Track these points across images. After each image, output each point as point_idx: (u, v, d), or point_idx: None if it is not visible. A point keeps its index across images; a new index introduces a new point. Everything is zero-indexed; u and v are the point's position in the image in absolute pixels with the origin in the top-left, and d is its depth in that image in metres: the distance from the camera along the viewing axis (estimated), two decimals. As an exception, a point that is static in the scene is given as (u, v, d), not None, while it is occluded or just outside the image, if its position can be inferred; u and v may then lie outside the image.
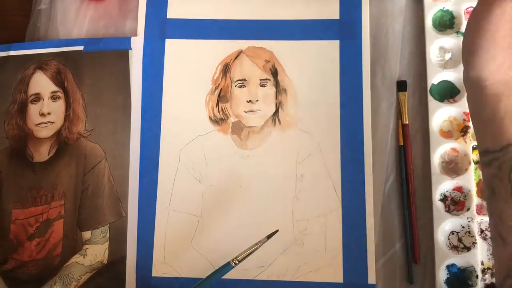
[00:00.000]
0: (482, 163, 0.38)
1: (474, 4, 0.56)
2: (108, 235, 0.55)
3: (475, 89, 0.38)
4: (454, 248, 0.52)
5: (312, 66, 0.58)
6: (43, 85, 0.59)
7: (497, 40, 0.37)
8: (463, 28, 0.56)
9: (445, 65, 0.56)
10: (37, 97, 0.59)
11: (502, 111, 0.36)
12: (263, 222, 0.53)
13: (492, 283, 0.51)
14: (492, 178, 0.37)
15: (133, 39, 0.59)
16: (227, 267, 0.49)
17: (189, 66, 0.59)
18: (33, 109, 0.58)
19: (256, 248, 0.49)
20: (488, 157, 0.37)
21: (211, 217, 0.55)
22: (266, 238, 0.49)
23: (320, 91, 0.57)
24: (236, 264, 0.48)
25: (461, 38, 0.56)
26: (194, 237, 0.55)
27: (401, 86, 0.57)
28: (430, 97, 0.55)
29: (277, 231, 0.50)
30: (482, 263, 0.52)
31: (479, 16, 0.38)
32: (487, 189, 0.38)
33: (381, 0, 0.59)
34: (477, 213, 0.53)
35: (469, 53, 0.38)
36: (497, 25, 0.37)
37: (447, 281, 0.51)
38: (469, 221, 0.52)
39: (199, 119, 0.57)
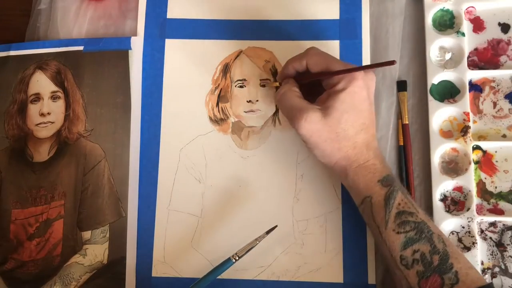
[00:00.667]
0: (361, 212, 0.49)
1: (474, 4, 0.57)
2: (108, 235, 0.55)
3: (330, 169, 0.51)
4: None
5: (312, 66, 0.58)
6: (43, 85, 0.59)
7: (316, 141, 0.48)
8: (463, 28, 0.56)
9: (445, 65, 0.56)
10: (37, 97, 0.59)
11: (351, 177, 0.48)
12: (263, 222, 0.53)
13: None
14: (367, 224, 0.50)
15: (133, 39, 0.59)
16: (228, 263, 0.49)
17: (189, 66, 0.59)
18: (33, 109, 0.58)
19: (256, 244, 0.49)
20: (360, 210, 0.49)
21: (211, 217, 0.55)
22: (266, 234, 0.50)
23: (320, 91, 0.57)
24: (236, 260, 0.49)
25: (461, 38, 0.56)
26: (194, 237, 0.55)
27: (401, 86, 0.57)
28: (430, 97, 0.55)
29: (276, 226, 0.51)
30: (482, 263, 0.52)
31: (295, 130, 0.49)
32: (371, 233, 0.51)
33: (381, 0, 0.59)
34: (477, 213, 0.53)
35: (310, 150, 0.50)
36: (308, 132, 0.48)
37: (447, 281, 0.51)
38: (469, 221, 0.52)
39: (199, 119, 0.57)
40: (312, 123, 0.47)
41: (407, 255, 0.45)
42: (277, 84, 0.55)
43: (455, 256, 0.44)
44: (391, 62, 0.45)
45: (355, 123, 0.47)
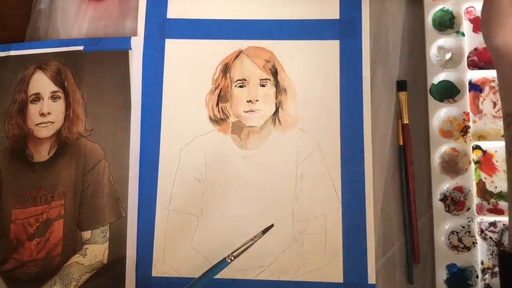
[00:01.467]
0: (504, 127, 0.42)
1: (474, 4, 0.57)
2: (108, 235, 0.55)
3: (495, 57, 0.42)
4: (454, 248, 0.52)
5: (312, 66, 0.58)
6: (43, 85, 0.59)
7: (502, 10, 0.40)
8: (463, 28, 0.56)
9: (445, 65, 0.56)
10: (37, 97, 0.59)
11: None
12: (263, 221, 0.53)
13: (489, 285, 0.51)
14: (509, 139, 0.41)
15: (133, 39, 0.59)
16: (222, 263, 0.49)
17: (189, 66, 0.59)
18: (33, 109, 0.58)
19: (252, 244, 0.49)
20: (508, 120, 0.41)
21: (211, 217, 0.55)
22: (262, 233, 0.50)
23: (320, 91, 0.57)
24: (231, 260, 0.49)
25: (461, 37, 0.56)
26: (194, 237, 0.55)
27: (401, 86, 0.57)
28: (430, 97, 0.55)
29: (272, 225, 0.50)
30: (482, 263, 0.52)
31: None
32: (506, 151, 0.41)
33: (381, 0, 0.59)
34: (477, 213, 0.53)
35: (482, 23, 0.42)
36: None
37: (447, 281, 0.51)
38: (469, 221, 0.52)
39: (199, 119, 0.57)
40: None
41: None
42: None
43: None
44: None
45: None
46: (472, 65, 0.56)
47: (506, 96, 0.42)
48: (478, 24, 0.57)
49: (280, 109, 0.57)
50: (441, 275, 0.51)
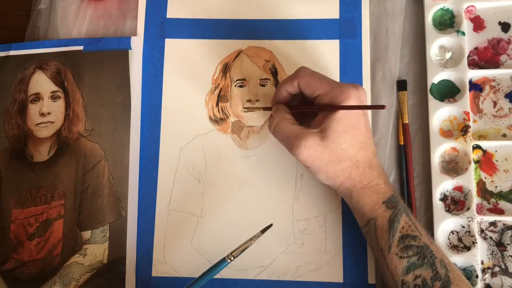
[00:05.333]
0: (364, 234, 0.50)
1: (474, 3, 0.57)
2: (107, 234, 0.55)
3: (336, 191, 0.52)
4: (454, 247, 0.52)
5: (312, 66, 0.57)
6: (43, 85, 0.59)
7: (317, 165, 0.47)
8: (463, 27, 0.56)
9: (445, 64, 0.56)
10: (37, 97, 0.59)
11: (355, 199, 0.48)
12: (263, 221, 0.53)
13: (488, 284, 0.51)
14: (371, 247, 0.50)
15: (133, 39, 0.59)
16: (222, 263, 0.49)
17: (189, 66, 0.59)
18: (33, 109, 0.58)
19: (251, 243, 0.49)
20: (363, 232, 0.49)
21: (211, 217, 0.55)
22: (261, 233, 0.50)
23: (320, 91, 0.57)
24: (231, 260, 0.49)
25: (462, 37, 0.56)
26: (194, 237, 0.55)
27: (401, 85, 0.57)
28: (430, 97, 0.55)
29: (271, 225, 0.50)
30: (482, 263, 0.52)
31: (295, 158, 0.49)
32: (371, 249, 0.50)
33: (381, 0, 0.59)
34: (477, 213, 0.52)
35: (313, 175, 0.50)
36: (309, 159, 0.47)
37: (447, 281, 0.51)
38: (469, 221, 0.52)
39: (199, 119, 0.57)
40: (312, 148, 0.46)
41: (408, 280, 0.45)
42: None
43: (456, 283, 0.44)
44: (382, 107, 0.45)
45: (354, 142, 0.47)
46: (473, 64, 0.56)
47: (355, 214, 0.50)
48: (479, 23, 0.57)
49: (280, 109, 0.57)
50: (441, 275, 0.51)
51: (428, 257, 0.45)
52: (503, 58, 0.56)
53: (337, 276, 0.53)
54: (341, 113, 0.46)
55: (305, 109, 0.51)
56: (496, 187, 0.54)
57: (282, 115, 0.50)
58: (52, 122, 0.58)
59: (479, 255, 0.52)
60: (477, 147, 0.54)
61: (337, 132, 0.46)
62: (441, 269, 0.45)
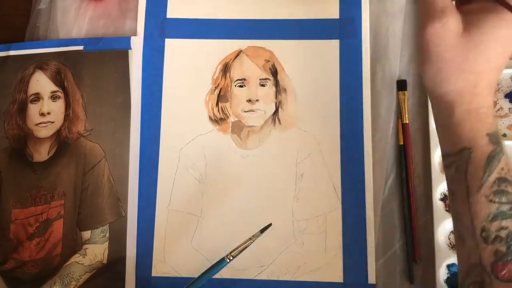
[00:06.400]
0: (444, 167, 0.41)
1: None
2: (107, 234, 0.55)
3: (432, 98, 0.42)
4: (454, 247, 0.52)
5: (312, 66, 0.58)
6: (43, 85, 0.59)
7: (440, 54, 0.39)
8: (463, 28, 0.56)
9: (445, 65, 0.56)
10: (37, 97, 0.59)
11: (456, 118, 0.39)
12: (263, 221, 0.53)
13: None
14: (451, 180, 0.40)
15: (132, 38, 0.59)
16: (221, 263, 0.49)
17: (189, 66, 0.59)
18: (33, 109, 0.58)
19: (250, 243, 0.49)
20: (448, 161, 0.40)
21: (211, 217, 0.55)
22: (260, 232, 0.50)
23: (320, 91, 0.57)
24: (230, 260, 0.49)
25: (461, 37, 0.56)
26: (194, 237, 0.55)
27: (401, 85, 0.57)
28: (430, 97, 0.55)
29: (270, 224, 0.50)
30: (482, 263, 0.52)
31: (421, 32, 0.40)
32: (448, 191, 0.41)
33: (381, 0, 0.59)
34: (477, 213, 0.52)
35: (420, 65, 0.41)
36: (437, 39, 0.39)
37: (447, 281, 0.51)
38: (469, 221, 0.52)
39: (199, 119, 0.57)
40: (450, 31, 0.39)
41: (491, 228, 0.38)
42: None
43: None
44: None
45: (493, 59, 0.39)
46: (472, 64, 0.56)
47: (444, 137, 0.41)
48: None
49: (280, 109, 0.57)
50: (441, 274, 0.51)
51: None
52: (503, 58, 0.56)
53: (337, 276, 0.53)
54: (500, 19, 0.38)
55: None
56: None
57: None
58: (52, 122, 0.58)
59: (479, 255, 0.52)
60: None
61: (487, 35, 0.38)
62: None
